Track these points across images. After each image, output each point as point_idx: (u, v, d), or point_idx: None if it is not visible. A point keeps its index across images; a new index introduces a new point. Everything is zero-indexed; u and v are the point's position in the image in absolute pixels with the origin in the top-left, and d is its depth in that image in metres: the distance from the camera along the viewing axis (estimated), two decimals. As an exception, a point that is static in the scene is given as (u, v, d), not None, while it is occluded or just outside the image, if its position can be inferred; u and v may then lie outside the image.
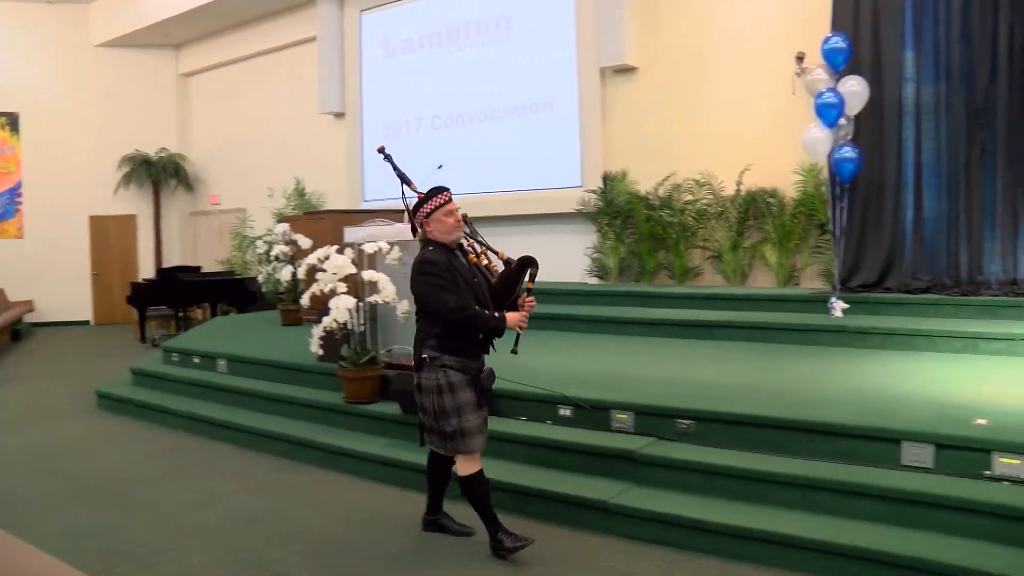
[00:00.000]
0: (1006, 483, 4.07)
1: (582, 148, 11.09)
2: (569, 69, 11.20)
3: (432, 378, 4.17)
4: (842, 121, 7.79)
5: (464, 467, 4.26)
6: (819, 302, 7.90)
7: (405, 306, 6.41)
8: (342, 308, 6.28)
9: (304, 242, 9.54)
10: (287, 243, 10.08)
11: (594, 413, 5.31)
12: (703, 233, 9.94)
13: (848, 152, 7.71)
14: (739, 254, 9.65)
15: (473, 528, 4.55)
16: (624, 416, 5.22)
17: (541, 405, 5.61)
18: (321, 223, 9.91)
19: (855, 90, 7.76)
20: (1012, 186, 7.71)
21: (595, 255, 10.79)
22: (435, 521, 4.69)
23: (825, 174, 8.37)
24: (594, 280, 10.76)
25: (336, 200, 13.93)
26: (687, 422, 5.01)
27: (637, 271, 10.51)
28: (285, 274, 9.85)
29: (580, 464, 5.04)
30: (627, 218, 10.41)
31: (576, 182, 11.07)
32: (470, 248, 4.49)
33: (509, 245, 11.23)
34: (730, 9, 9.95)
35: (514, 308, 4.33)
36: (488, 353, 4.39)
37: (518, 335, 4.30)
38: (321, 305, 6.57)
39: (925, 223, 8.18)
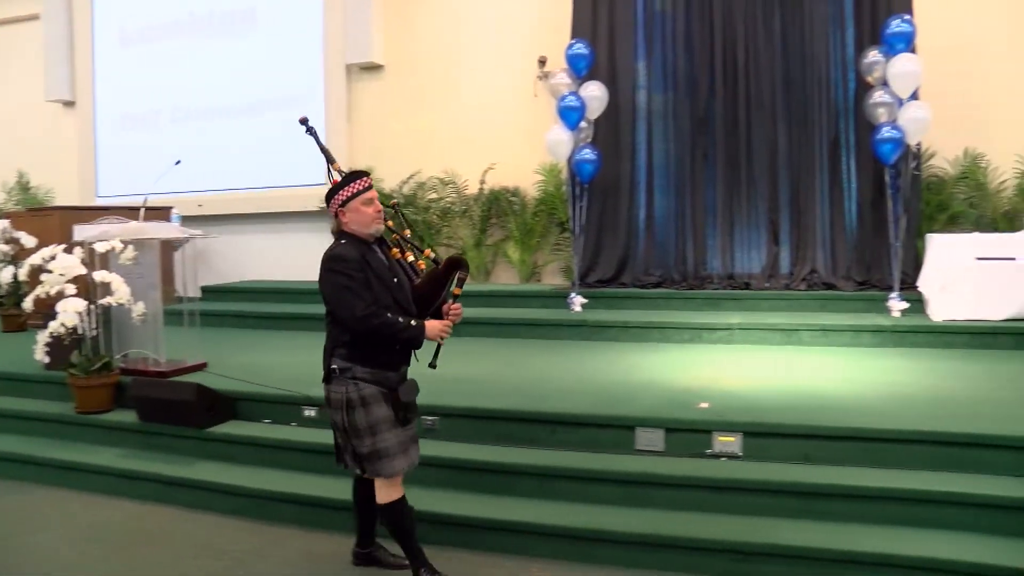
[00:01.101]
0: (724, 459, 4.44)
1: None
2: (316, 65, 10.98)
3: (341, 392, 3.62)
4: (583, 124, 8.18)
5: (383, 493, 3.74)
6: (560, 297, 8.26)
7: (141, 308, 6.07)
8: (71, 311, 5.82)
9: (28, 240, 8.78)
10: (7, 242, 9.24)
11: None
12: (447, 231, 10.10)
13: (588, 154, 8.10)
14: (483, 251, 9.88)
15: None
16: (370, 414, 5.18)
17: (285, 407, 5.47)
18: (48, 220, 9.12)
19: (595, 95, 8.18)
20: (728, 189, 8.47)
21: (341, 253, 10.68)
22: (368, 554, 4.12)
23: (565, 174, 8.73)
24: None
25: (65, 196, 12.80)
26: (432, 418, 5.04)
27: (383, 269, 10.49)
28: (6, 275, 9.08)
29: (326, 466, 4.93)
30: (372, 216, 10.36)
31: (321, 179, 10.86)
32: (395, 241, 3.92)
33: (252, 244, 11.18)
34: (477, 11, 10.15)
35: (439, 315, 3.79)
36: (408, 364, 3.78)
37: (439, 347, 3.77)
38: (47, 309, 6.06)
39: (656, 222, 8.78)
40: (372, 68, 10.73)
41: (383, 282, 3.60)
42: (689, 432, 4.56)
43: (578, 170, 8.16)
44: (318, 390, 5.33)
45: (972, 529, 3.81)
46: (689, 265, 8.63)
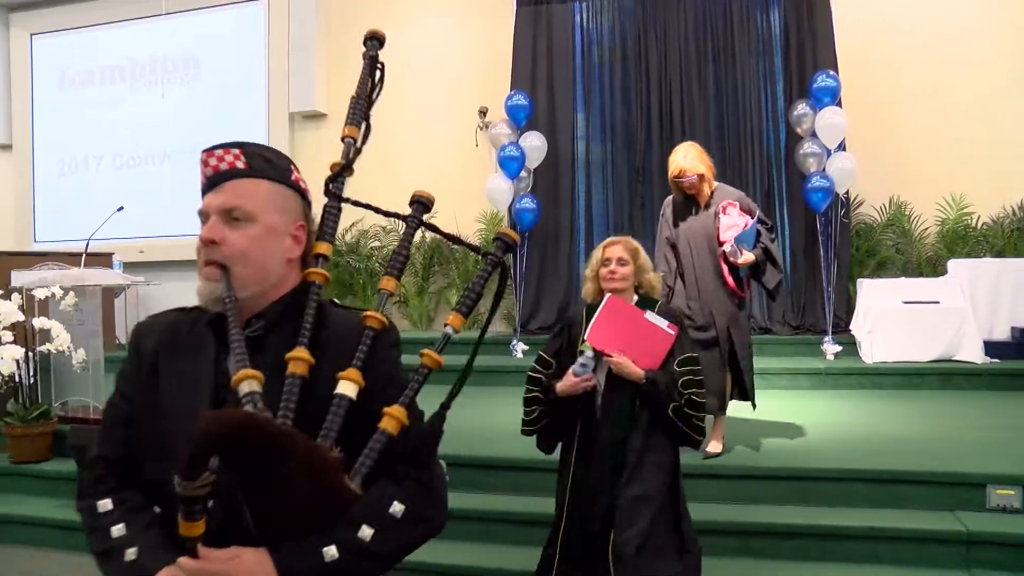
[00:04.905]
0: None
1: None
2: (259, 112, 11.02)
3: None
4: (522, 174, 8.29)
5: None
6: (503, 344, 8.27)
7: (82, 355, 5.92)
8: (8, 358, 5.65)
9: (-40, 287, 8.54)
10: (-62, 288, 8.97)
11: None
12: (390, 279, 10.09)
13: (528, 203, 8.21)
14: (425, 299, 9.89)
15: None
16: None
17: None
18: (-17, 265, 8.90)
19: (535, 145, 8.31)
20: (667, 237, 8.60)
21: (283, 302, 10.62)
22: None
23: (506, 223, 8.81)
24: (283, 328, 10.57)
25: (1, 241, 12.56)
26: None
27: (326, 318, 10.45)
28: (-64, 322, 8.75)
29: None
30: (315, 264, 10.37)
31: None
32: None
33: (192, 291, 10.97)
34: (419, 61, 10.24)
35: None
36: None
37: None
38: (-18, 356, 5.87)
39: (596, 269, 8.86)
40: (315, 116, 10.77)
41: (164, 418, 1.61)
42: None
43: (518, 219, 8.25)
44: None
45: (903, 563, 3.88)
46: (631, 311, 8.71)
